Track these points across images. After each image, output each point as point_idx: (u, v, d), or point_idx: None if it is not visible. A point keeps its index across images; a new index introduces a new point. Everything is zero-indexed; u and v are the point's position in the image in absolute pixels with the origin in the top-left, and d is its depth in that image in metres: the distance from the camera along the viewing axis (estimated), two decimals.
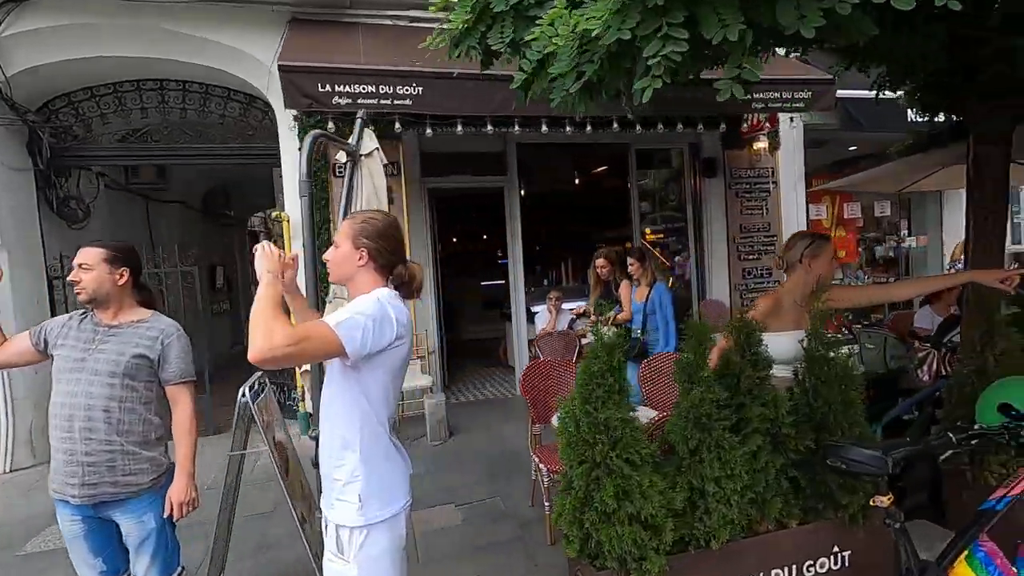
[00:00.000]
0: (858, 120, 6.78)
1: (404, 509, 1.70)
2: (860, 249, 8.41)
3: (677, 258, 7.69)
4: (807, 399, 2.11)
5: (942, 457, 2.41)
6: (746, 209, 7.36)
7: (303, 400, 5.61)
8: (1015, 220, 8.33)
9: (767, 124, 6.78)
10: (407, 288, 1.78)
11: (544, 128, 5.41)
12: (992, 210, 2.72)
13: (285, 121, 5.72)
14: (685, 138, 7.15)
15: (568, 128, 5.66)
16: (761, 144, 7.22)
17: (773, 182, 7.40)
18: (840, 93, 6.67)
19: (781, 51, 3.32)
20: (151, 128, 6.19)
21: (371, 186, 2.72)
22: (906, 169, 4.48)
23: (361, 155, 2.77)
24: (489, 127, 5.22)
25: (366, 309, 1.54)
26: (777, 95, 5.81)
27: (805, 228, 7.77)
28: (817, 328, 2.17)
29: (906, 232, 8.41)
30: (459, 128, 5.27)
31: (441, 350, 6.68)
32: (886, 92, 3.05)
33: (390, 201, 6.08)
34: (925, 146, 4.50)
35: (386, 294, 1.64)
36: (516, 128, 5.60)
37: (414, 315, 6.09)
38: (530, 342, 5.70)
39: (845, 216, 8.17)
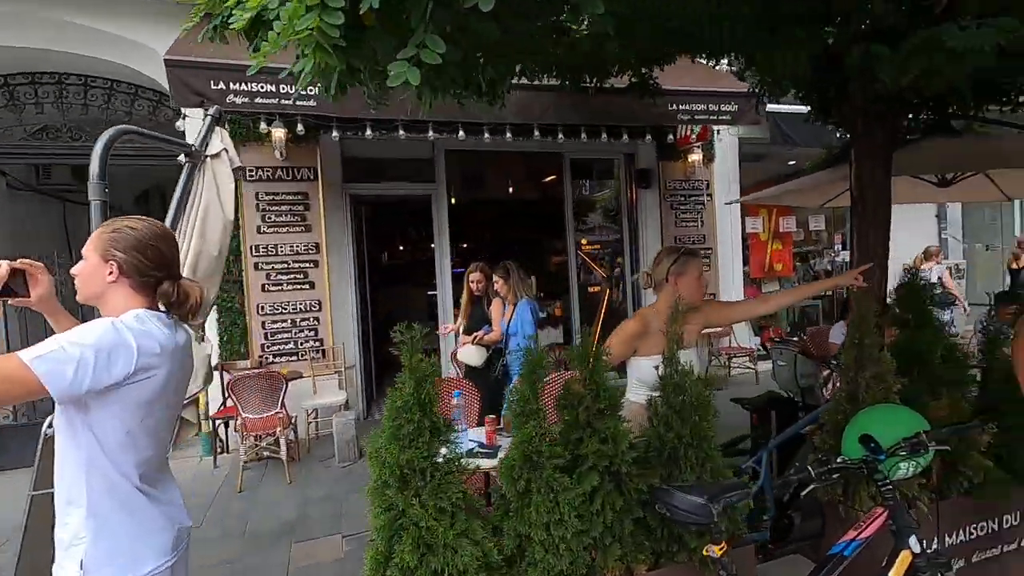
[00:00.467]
0: (789, 135, 6.80)
1: (161, 571, 1.43)
2: (796, 262, 8.45)
3: (617, 270, 7.58)
4: (658, 432, 1.94)
5: (803, 493, 2.27)
6: (681, 221, 7.31)
7: (201, 421, 5.22)
8: (943, 236, 8.51)
9: (693, 136, 6.73)
10: (180, 309, 1.52)
11: (461, 134, 5.21)
12: (873, 225, 2.62)
13: (197, 120, 5.38)
14: (620, 148, 7.06)
15: (496, 135, 5.48)
16: (696, 156, 7.19)
17: (708, 194, 7.37)
18: (771, 108, 6.71)
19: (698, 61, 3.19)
20: (52, 125, 5.77)
21: (213, 192, 2.45)
22: (815, 184, 4.42)
23: (206, 156, 2.50)
24: (401, 132, 4.99)
25: (87, 337, 1.28)
26: (703, 107, 5.76)
27: (741, 241, 7.77)
28: (673, 352, 2.00)
29: (840, 246, 8.50)
30: (368, 132, 5.02)
31: (365, 365, 6.38)
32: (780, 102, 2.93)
33: (304, 207, 5.82)
34: (832, 162, 4.46)
35: (132, 317, 1.38)
36: (444, 134, 5.40)
37: (330, 328, 5.80)
38: (453, 355, 5.46)
39: (781, 229, 8.21)
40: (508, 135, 5.33)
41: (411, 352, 1.66)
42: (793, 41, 2.03)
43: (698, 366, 2.32)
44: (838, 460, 1.98)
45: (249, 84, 4.36)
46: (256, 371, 4.69)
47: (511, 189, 8.42)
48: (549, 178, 7.60)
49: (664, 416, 1.95)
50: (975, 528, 2.40)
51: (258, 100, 4.41)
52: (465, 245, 10.70)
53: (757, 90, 2.80)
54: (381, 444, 1.64)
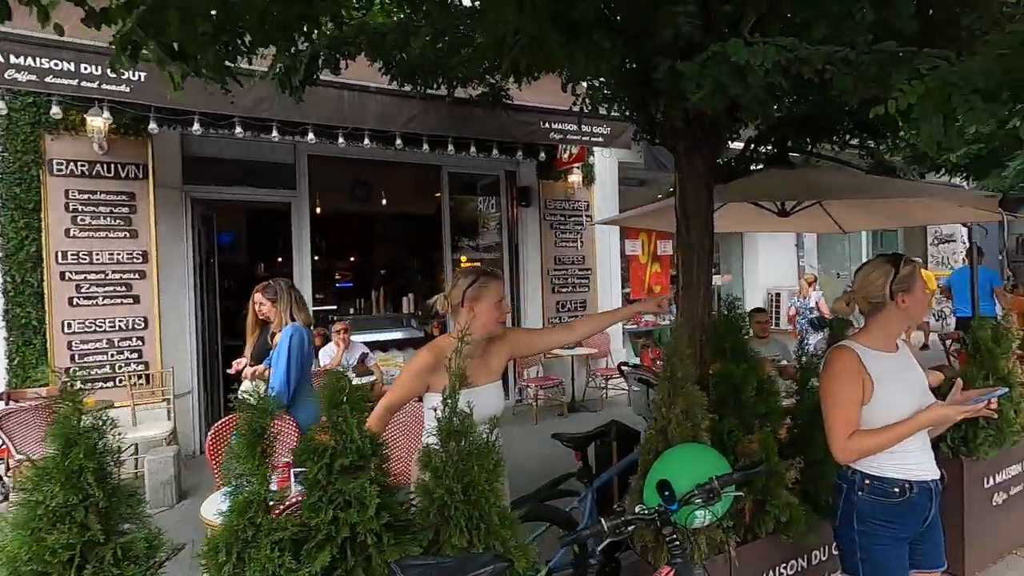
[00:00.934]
0: (662, 161, 6.98)
1: None
2: (673, 285, 8.71)
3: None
4: (427, 487, 1.63)
5: (599, 547, 2.05)
6: (561, 241, 7.27)
7: None
8: (801, 264, 9.18)
9: (566, 156, 6.72)
10: None
11: (311, 137, 4.76)
12: (698, 251, 2.53)
13: None
14: (502, 165, 6.91)
15: (353, 141, 5.08)
16: (575, 177, 7.19)
17: (588, 215, 7.40)
18: None
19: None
20: None
21: None
22: (668, 209, 4.43)
23: None
24: (239, 129, 4.46)
25: None
26: (575, 127, 5.73)
27: (620, 263, 7.87)
28: (453, 390, 1.71)
29: (713, 270, 8.87)
30: (196, 126, 4.45)
31: (206, 391, 5.64)
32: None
33: (129, 210, 5.06)
34: None
35: None
36: (307, 137, 4.91)
37: (159, 349, 5.05)
38: None
39: (659, 252, 8.43)
40: (368, 142, 4.94)
41: (70, 402, 1.24)
42: (592, 49, 1.87)
43: (497, 404, 2.07)
44: (636, 509, 1.79)
45: (39, 60, 3.67)
46: (34, 403, 3.89)
47: (385, 202, 8.01)
48: (426, 191, 7.28)
49: (436, 467, 1.65)
50: (784, 568, 2.32)
51: (51, 80, 3.72)
52: (330, 260, 10.11)
53: (580, 107, 2.65)
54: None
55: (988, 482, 3.13)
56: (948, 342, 6.76)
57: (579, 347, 7.16)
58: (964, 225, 6.77)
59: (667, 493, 1.76)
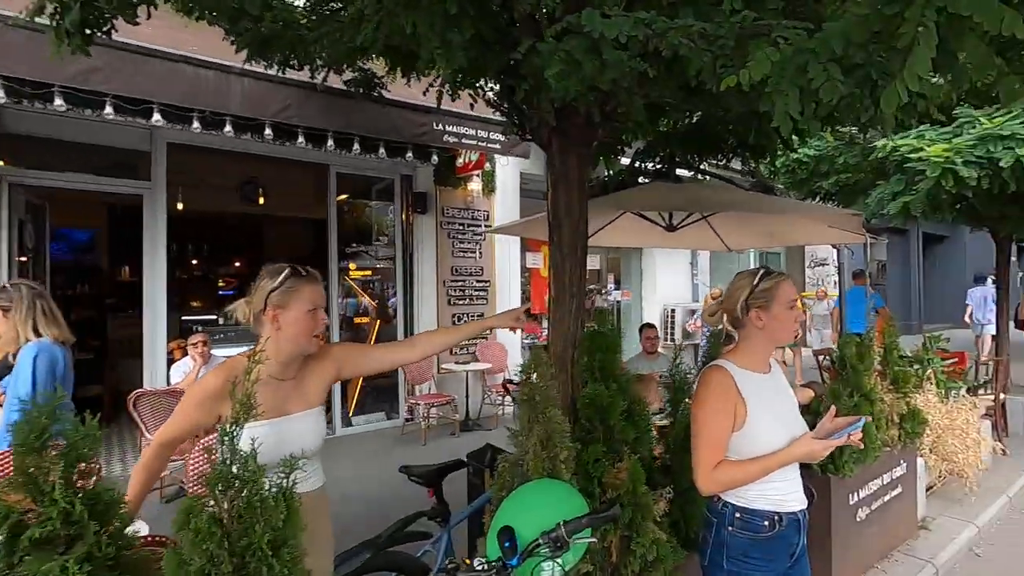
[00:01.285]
0: None
1: None
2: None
3: (391, 300, 6.90)
4: (179, 556, 1.22)
5: None
6: (458, 250, 6.96)
7: None
8: (695, 282, 9.52)
9: (465, 163, 6.47)
10: None
11: (157, 118, 4.11)
12: (570, 257, 2.31)
13: None
14: (397, 168, 6.51)
15: (213, 129, 4.46)
16: (475, 186, 6.95)
17: (487, 225, 7.16)
18: None
19: None
20: None
21: None
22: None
23: None
24: (59, 102, 3.75)
25: None
26: (472, 132, 5.47)
27: (520, 274, 7.69)
28: (236, 422, 1.31)
29: (613, 286, 8.96)
30: (39, 103, 3.71)
31: None
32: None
33: None
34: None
35: None
36: (153, 119, 4.22)
37: None
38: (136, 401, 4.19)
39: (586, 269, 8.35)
40: (229, 129, 4.36)
41: None
42: (439, 18, 1.58)
43: (313, 438, 1.69)
44: (475, 564, 1.48)
45: None
46: None
47: (262, 200, 7.32)
48: (311, 191, 6.72)
49: (198, 529, 1.24)
50: None
51: None
52: (210, 265, 9.18)
53: (441, 88, 2.37)
54: None
55: (853, 498, 3.16)
56: (821, 358, 7.16)
57: (475, 362, 6.88)
58: (834, 247, 7.27)
59: (508, 544, 1.47)
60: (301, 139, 4.75)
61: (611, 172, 4.29)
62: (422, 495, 2.50)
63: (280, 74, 3.08)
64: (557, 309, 2.33)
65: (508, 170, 7.21)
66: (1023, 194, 5.17)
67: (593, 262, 8.89)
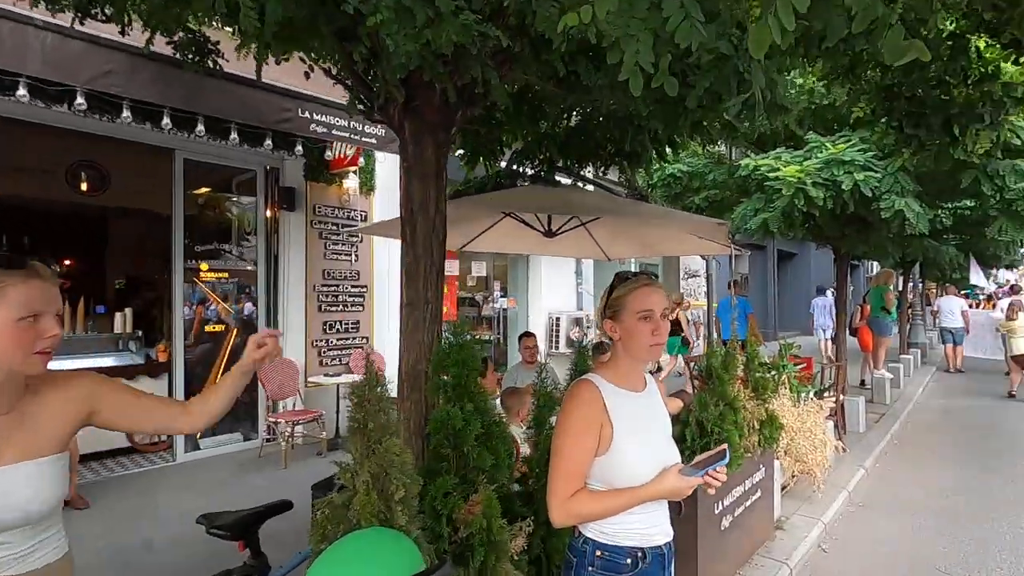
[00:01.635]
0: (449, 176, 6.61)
1: None
2: (457, 307, 8.40)
3: (250, 305, 6.15)
4: None
5: None
6: (332, 253, 6.40)
7: None
8: (579, 290, 9.67)
9: (338, 157, 5.98)
10: None
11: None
12: (425, 259, 2.02)
13: None
14: (261, 159, 5.84)
15: (22, 92, 3.60)
16: (352, 183, 6.43)
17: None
18: None
19: None
20: None
21: None
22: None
23: None
24: None
25: None
26: (344, 123, 5.01)
27: (400, 280, 7.26)
28: None
29: (499, 293, 8.82)
30: None
31: None
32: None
33: None
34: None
35: None
36: None
37: None
38: None
39: (445, 272, 8.04)
40: (24, 93, 3.55)
41: None
42: None
43: (30, 497, 1.21)
44: None
45: None
46: None
47: (86, 186, 6.27)
48: (153, 179, 5.83)
49: None
50: None
51: None
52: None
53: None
54: None
55: (718, 508, 3.17)
56: (692, 365, 7.50)
57: (347, 373, 6.35)
58: (703, 257, 7.72)
59: None
60: (127, 113, 3.99)
61: (489, 173, 4.09)
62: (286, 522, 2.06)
63: (81, 24, 2.49)
64: (409, 317, 2.02)
65: (389, 168, 6.77)
66: (859, 216, 5.74)
67: (479, 269, 8.70)
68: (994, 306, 15.24)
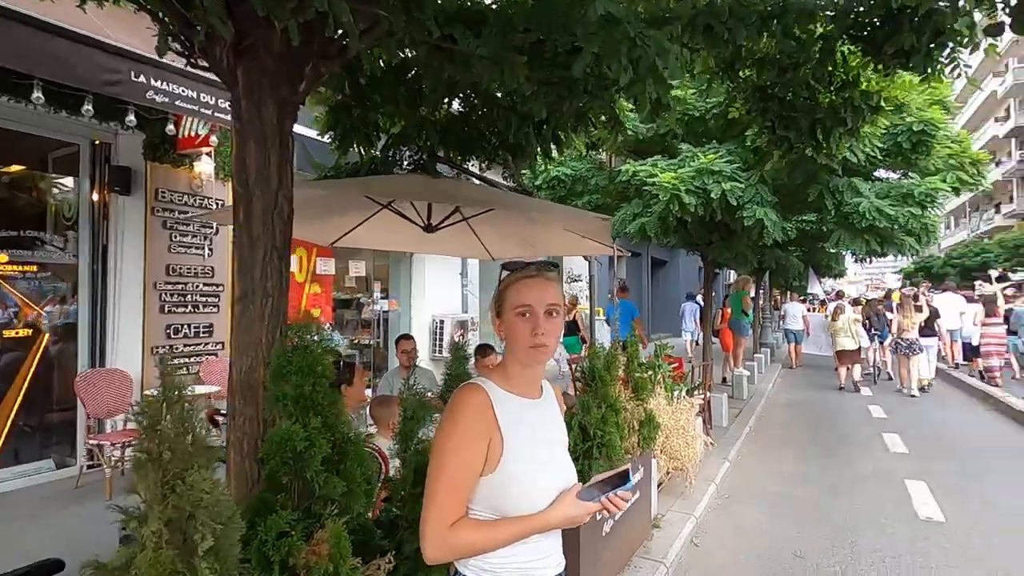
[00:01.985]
0: (320, 163, 6.05)
1: None
2: (334, 310, 7.79)
3: (55, 306, 5.12)
4: None
5: None
6: (179, 246, 5.55)
7: None
8: (464, 292, 9.44)
9: (188, 136, 5.23)
10: None
11: None
12: (265, 242, 1.64)
13: None
14: (84, 129, 4.89)
15: None
16: (206, 167, 5.65)
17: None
18: (299, 129, 5.85)
19: None
20: None
21: None
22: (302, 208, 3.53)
23: None
24: None
25: None
26: (192, 95, 4.33)
27: (232, 268, 6.52)
28: None
29: (379, 294, 8.32)
30: None
31: None
32: None
33: None
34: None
35: None
36: None
37: None
38: None
39: (319, 271, 7.41)
40: None
41: None
42: None
43: None
44: None
45: None
46: None
47: None
48: None
49: None
50: None
51: None
52: None
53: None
54: None
55: (600, 514, 3.07)
56: (574, 366, 7.58)
57: (199, 384, 5.53)
58: (585, 259, 7.86)
59: None
60: None
61: (363, 159, 3.71)
62: None
63: None
64: (243, 314, 1.63)
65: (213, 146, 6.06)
66: (725, 223, 6.13)
67: (358, 269, 8.13)
68: (826, 310, 17.48)
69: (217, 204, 5.84)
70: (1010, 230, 29.24)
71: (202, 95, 4.40)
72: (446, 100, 3.34)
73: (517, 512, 1.19)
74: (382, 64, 3.26)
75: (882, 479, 5.25)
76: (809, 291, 15.65)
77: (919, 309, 9.97)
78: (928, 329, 9.98)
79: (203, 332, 5.75)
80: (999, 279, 11.31)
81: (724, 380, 9.97)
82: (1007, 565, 3.57)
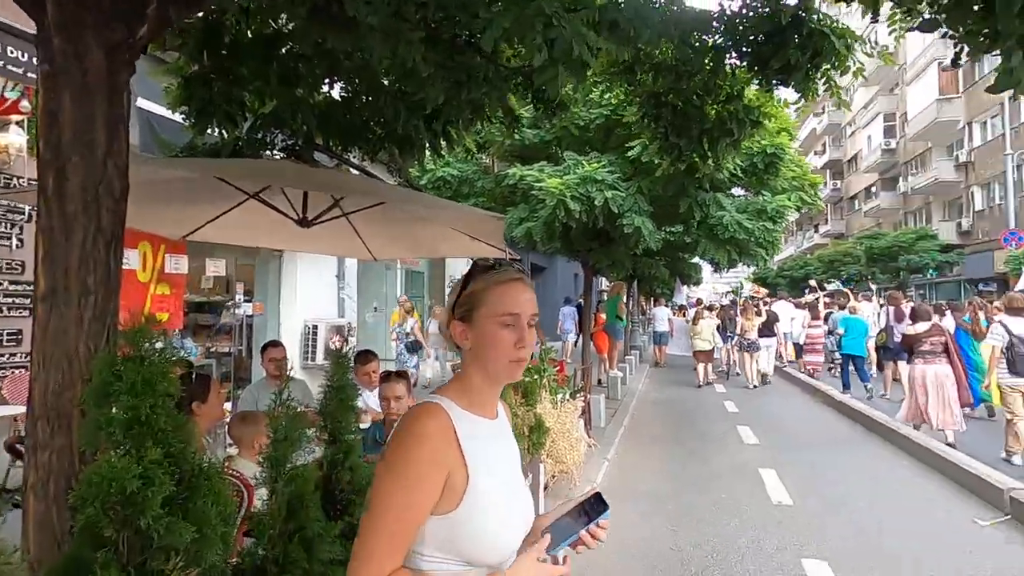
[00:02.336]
0: (168, 142, 5.26)
1: None
2: (186, 314, 6.86)
3: None
4: None
5: None
6: None
7: None
8: (341, 296, 8.85)
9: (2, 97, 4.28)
10: None
11: None
12: (81, 221, 1.28)
13: None
14: None
15: None
16: (15, 139, 4.65)
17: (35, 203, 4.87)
18: (144, 104, 5.06)
19: None
20: None
21: None
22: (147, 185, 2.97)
23: None
24: None
25: None
26: None
27: (35, 257, 5.54)
28: None
29: (242, 297, 7.49)
30: None
31: None
32: None
33: None
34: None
35: None
36: None
37: None
38: None
39: (168, 269, 6.46)
40: None
41: None
42: None
43: None
44: None
45: None
46: None
47: None
48: None
49: None
50: None
51: None
52: None
53: None
54: None
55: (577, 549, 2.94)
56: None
57: (1, 404, 4.50)
58: (473, 261, 7.80)
59: None
60: None
61: (225, 140, 3.25)
62: None
63: None
64: (50, 318, 1.25)
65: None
66: (606, 230, 6.37)
67: (218, 268, 7.25)
68: (685, 315, 19.26)
69: (29, 184, 4.83)
70: (826, 247, 34.65)
71: (10, 49, 3.60)
72: (326, 81, 3.02)
73: (480, 556, 0.98)
74: (249, 33, 2.86)
75: (738, 470, 5.75)
76: (674, 299, 17.33)
77: (759, 313, 11.63)
78: (767, 330, 11.41)
79: (8, 340, 4.71)
80: (815, 288, 13.44)
81: (599, 382, 10.43)
82: (846, 535, 4.07)
